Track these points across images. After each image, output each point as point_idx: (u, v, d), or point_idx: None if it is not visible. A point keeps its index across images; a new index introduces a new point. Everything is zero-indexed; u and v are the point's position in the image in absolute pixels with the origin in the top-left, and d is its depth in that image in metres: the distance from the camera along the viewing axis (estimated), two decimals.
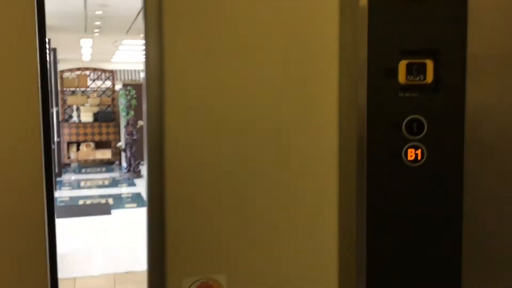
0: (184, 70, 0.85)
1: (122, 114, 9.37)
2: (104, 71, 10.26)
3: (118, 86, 10.32)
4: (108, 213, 6.26)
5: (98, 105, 10.08)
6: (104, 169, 9.67)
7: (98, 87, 10.18)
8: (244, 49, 0.87)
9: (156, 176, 0.85)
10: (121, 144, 8.98)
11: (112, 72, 10.34)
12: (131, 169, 8.61)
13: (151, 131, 0.85)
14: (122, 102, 9.27)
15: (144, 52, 0.85)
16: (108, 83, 10.25)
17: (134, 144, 8.61)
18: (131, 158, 8.60)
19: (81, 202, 6.85)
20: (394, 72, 0.84)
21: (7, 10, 0.88)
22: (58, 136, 8.56)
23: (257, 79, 0.88)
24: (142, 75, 0.89)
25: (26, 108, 0.90)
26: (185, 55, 0.85)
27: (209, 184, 0.87)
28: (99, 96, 10.15)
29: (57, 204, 6.61)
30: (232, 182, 0.88)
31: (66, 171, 9.33)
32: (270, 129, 0.88)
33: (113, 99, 10.13)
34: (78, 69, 10.11)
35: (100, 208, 6.48)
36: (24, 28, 0.89)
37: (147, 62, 0.85)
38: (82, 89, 10.04)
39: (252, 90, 0.88)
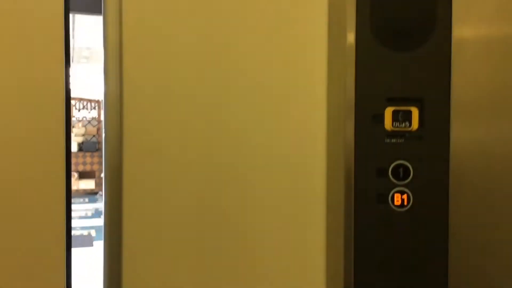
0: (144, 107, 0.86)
1: None
2: (90, 101, 10.25)
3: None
4: (91, 245, 6.15)
5: (83, 135, 10.03)
6: (87, 199, 9.54)
7: (83, 117, 10.15)
8: (224, 94, 0.89)
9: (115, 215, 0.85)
10: None
11: (98, 102, 10.33)
12: None
13: (109, 165, 0.86)
14: None
15: (103, 90, 0.87)
16: (94, 113, 10.22)
17: None
18: None
19: None
20: (381, 119, 0.87)
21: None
22: None
23: (243, 119, 0.89)
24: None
25: None
26: (145, 93, 0.86)
27: (170, 224, 0.87)
28: (84, 126, 10.10)
29: None
30: (194, 226, 0.88)
31: None
32: (258, 180, 0.89)
33: (98, 129, 10.09)
34: None
35: (82, 240, 6.36)
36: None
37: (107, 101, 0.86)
38: None
39: (238, 136, 0.89)
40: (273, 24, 0.91)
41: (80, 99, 10.20)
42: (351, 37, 0.87)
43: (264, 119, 0.90)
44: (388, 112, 0.86)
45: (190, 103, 0.88)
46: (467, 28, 0.87)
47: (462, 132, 0.88)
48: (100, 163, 9.89)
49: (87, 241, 6.28)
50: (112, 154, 0.86)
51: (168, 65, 0.87)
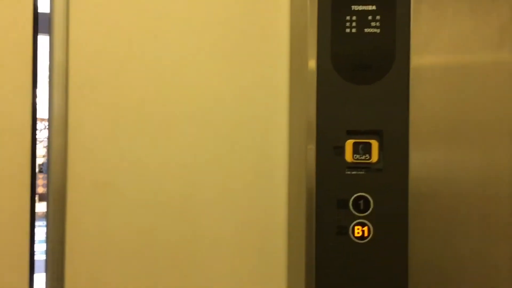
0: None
1: None
2: None
3: None
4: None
5: (44, 156, 9.78)
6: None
7: (45, 138, 9.91)
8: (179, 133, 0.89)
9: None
10: None
11: None
12: None
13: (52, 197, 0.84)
14: None
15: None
16: None
17: None
18: None
19: None
20: (341, 151, 0.87)
21: None
22: None
23: (199, 150, 0.89)
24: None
25: None
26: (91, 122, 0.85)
27: (114, 259, 0.85)
28: (45, 147, 9.86)
29: None
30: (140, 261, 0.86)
31: None
32: (215, 212, 0.88)
33: None
34: None
35: (41, 265, 6.14)
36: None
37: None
38: None
39: (192, 169, 0.88)
40: (235, 52, 0.92)
41: (42, 119, 9.97)
42: (312, 70, 0.88)
43: (222, 149, 0.90)
44: (349, 144, 0.87)
45: (139, 132, 0.87)
46: (425, 60, 0.90)
47: (420, 163, 0.89)
48: None
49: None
50: (56, 182, 0.84)
51: (116, 94, 0.86)
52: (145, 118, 0.87)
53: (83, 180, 0.84)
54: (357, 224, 0.87)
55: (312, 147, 0.88)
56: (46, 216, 0.84)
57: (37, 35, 0.87)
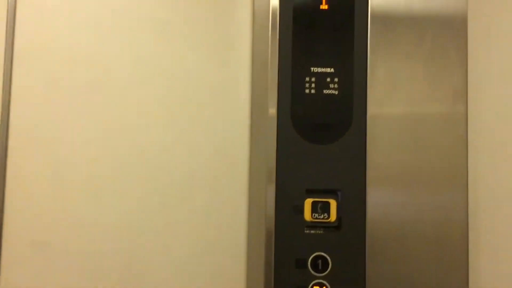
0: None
1: None
2: None
3: None
4: None
5: None
6: None
7: None
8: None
9: None
10: None
11: None
12: None
13: None
14: None
15: None
16: None
17: None
18: None
19: None
20: (301, 210, 0.88)
21: None
22: None
23: (147, 213, 0.88)
24: None
25: None
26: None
27: None
28: None
29: None
30: None
31: None
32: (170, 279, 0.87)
33: None
34: None
35: None
36: None
37: None
38: None
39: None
40: (194, 109, 0.92)
41: None
42: (272, 130, 0.89)
43: (169, 209, 0.89)
44: (308, 203, 0.88)
45: (81, 190, 0.86)
46: (381, 121, 0.92)
47: (378, 219, 0.90)
48: None
49: None
50: None
51: (56, 149, 0.86)
52: (87, 175, 0.86)
53: (20, 239, 0.81)
54: (316, 284, 0.86)
55: (271, 206, 0.88)
56: None
57: None
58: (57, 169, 0.84)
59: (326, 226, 0.88)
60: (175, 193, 0.90)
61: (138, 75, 0.90)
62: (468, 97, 0.94)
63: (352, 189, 0.90)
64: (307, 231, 0.88)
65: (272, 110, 0.90)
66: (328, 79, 0.91)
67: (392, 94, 0.92)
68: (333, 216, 0.88)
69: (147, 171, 0.89)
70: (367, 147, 0.91)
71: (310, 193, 0.89)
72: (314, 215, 0.88)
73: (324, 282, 0.87)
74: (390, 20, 0.92)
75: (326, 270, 0.87)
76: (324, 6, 0.92)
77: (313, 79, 0.91)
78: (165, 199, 0.90)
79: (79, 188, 0.86)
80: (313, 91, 0.91)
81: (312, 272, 0.87)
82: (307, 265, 0.87)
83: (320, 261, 0.87)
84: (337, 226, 0.88)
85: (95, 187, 0.87)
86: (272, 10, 0.91)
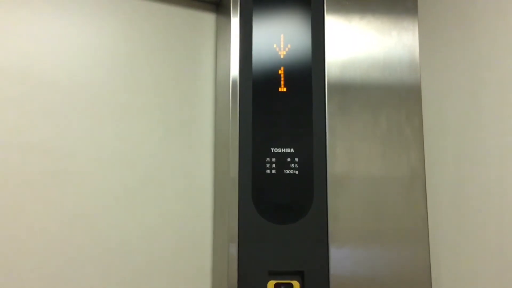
0: None
1: None
2: None
3: None
4: None
5: None
6: None
7: None
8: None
9: None
10: None
11: None
12: None
13: None
14: None
15: None
16: None
17: None
18: None
19: None
20: None
21: None
22: None
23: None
24: None
25: None
26: None
27: None
28: None
29: None
30: None
31: None
32: None
33: None
34: None
35: None
36: None
37: None
38: None
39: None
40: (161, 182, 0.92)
41: None
42: (234, 211, 0.89)
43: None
44: (271, 285, 0.87)
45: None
46: (342, 199, 0.93)
47: None
48: None
49: None
50: None
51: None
52: (41, 261, 0.84)
53: None
54: None
55: None
56: None
57: None
58: (11, 258, 0.82)
59: None
60: (135, 278, 0.89)
61: (99, 159, 0.90)
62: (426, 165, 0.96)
63: (315, 269, 0.90)
64: None
65: (234, 192, 0.90)
66: (289, 159, 0.93)
67: (351, 171, 0.94)
68: None
69: (107, 257, 0.88)
70: (329, 224, 0.92)
71: (273, 275, 0.88)
72: None
73: None
74: (346, 102, 0.95)
75: None
76: (282, 89, 0.94)
77: (273, 159, 0.92)
78: (126, 285, 0.88)
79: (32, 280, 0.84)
80: (273, 171, 0.92)
81: None
82: None
83: None
84: None
85: (50, 276, 0.84)
86: (232, 93, 0.93)
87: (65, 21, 0.89)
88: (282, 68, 0.95)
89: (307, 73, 0.95)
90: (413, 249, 0.93)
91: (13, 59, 0.84)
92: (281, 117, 0.94)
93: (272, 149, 0.93)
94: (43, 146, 0.85)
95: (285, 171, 0.92)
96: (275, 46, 0.96)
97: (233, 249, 0.88)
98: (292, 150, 0.93)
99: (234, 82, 0.93)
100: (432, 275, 0.93)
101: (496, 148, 0.96)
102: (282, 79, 0.94)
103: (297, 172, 0.92)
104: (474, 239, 1.00)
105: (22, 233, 0.82)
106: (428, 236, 0.93)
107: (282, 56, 0.95)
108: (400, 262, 0.93)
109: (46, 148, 0.85)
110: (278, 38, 0.96)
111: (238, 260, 0.88)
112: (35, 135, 0.84)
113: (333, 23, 0.97)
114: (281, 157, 0.93)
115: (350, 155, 0.94)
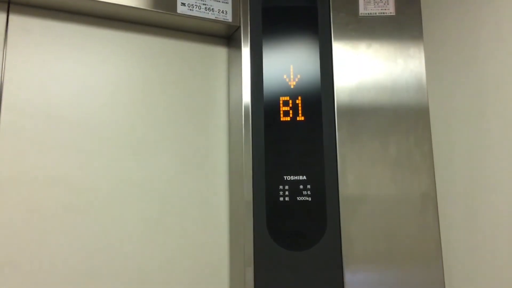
0: None
1: None
2: None
3: None
4: None
5: None
6: None
7: None
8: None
9: None
10: None
11: None
12: None
13: None
14: None
15: None
16: None
17: None
18: None
19: None
20: None
21: None
22: None
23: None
24: None
25: None
26: None
27: None
28: None
29: None
30: None
31: None
32: None
33: None
34: None
35: None
36: None
37: None
38: None
39: None
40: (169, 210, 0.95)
41: None
42: (249, 239, 0.92)
43: None
44: None
45: None
46: (355, 225, 0.95)
47: None
48: None
49: None
50: None
51: None
52: None
53: None
54: None
55: None
56: None
57: None
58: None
59: None
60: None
61: (119, 192, 0.93)
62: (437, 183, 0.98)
63: None
64: None
65: (249, 220, 0.93)
66: (301, 186, 0.95)
67: (363, 197, 0.96)
68: None
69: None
70: (343, 249, 0.93)
71: None
72: None
73: None
74: (356, 128, 0.98)
75: None
76: (294, 118, 0.97)
77: (286, 187, 0.95)
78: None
79: None
80: (287, 198, 0.94)
81: None
82: None
83: None
84: None
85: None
86: (245, 123, 0.96)
87: (85, 62, 0.94)
88: (292, 98, 0.98)
89: (317, 102, 0.98)
90: (427, 271, 0.94)
91: (37, 99, 0.88)
92: (293, 145, 0.97)
93: (285, 177, 0.95)
94: (65, 180, 0.88)
95: (298, 198, 0.94)
96: (285, 76, 0.99)
97: (249, 276, 0.90)
98: (305, 177, 0.95)
99: (246, 112, 0.96)
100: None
101: (506, 170, 0.98)
102: (293, 108, 0.97)
103: (309, 199, 0.94)
104: (487, 261, 1.01)
105: (45, 265, 0.85)
106: (442, 258, 0.94)
107: (292, 86, 0.98)
108: (414, 284, 0.93)
109: (68, 182, 0.88)
110: (288, 69, 0.99)
111: (254, 287, 0.90)
112: (58, 170, 0.88)
113: (340, 52, 1.00)
114: (293, 184, 0.95)
115: (361, 180, 0.96)
